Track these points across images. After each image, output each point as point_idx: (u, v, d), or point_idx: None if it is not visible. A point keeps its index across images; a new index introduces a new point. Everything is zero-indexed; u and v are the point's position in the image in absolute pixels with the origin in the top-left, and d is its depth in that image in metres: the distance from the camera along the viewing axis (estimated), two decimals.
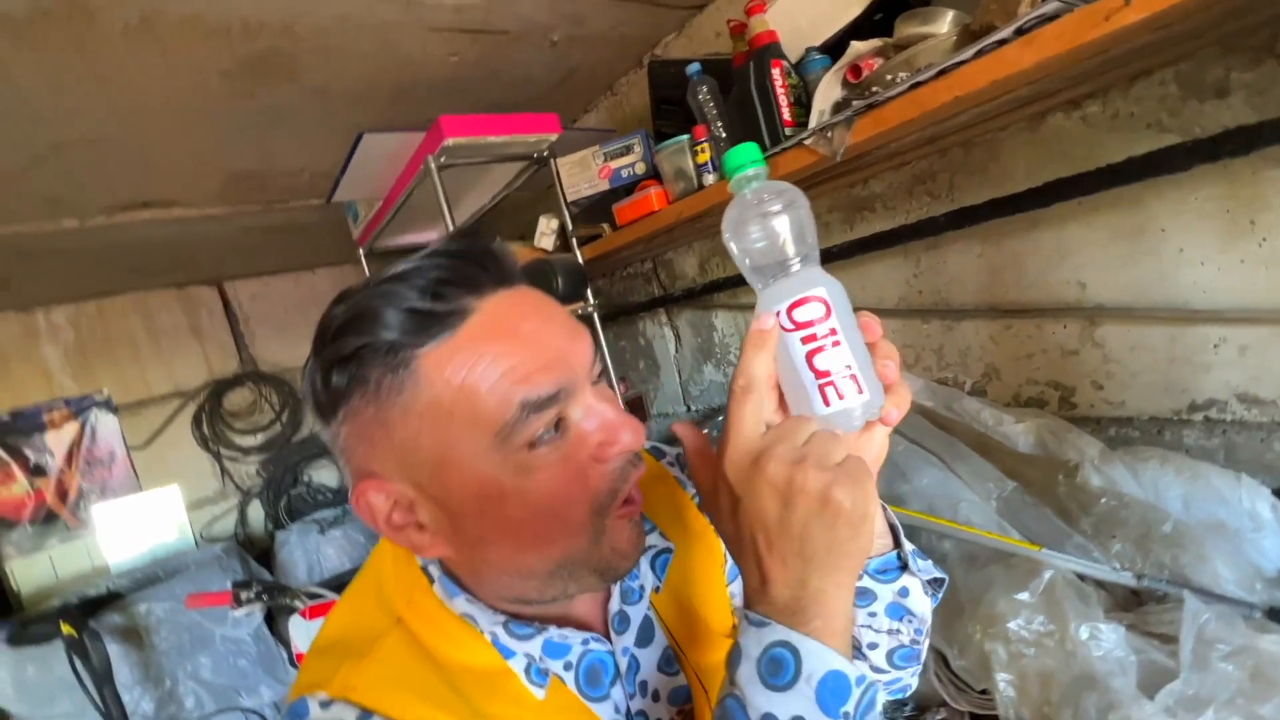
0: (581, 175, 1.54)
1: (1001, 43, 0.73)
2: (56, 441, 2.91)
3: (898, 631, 0.53)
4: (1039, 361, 1.18)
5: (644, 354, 2.24)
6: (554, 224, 1.71)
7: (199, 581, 2.18)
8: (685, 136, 1.25)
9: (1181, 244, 0.96)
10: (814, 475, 0.36)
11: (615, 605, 0.51)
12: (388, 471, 0.43)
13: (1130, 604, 0.80)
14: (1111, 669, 0.66)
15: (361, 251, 2.11)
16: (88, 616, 1.79)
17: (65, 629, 1.67)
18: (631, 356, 2.30)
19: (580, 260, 1.62)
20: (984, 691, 0.83)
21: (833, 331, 0.40)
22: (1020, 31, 0.71)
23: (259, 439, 3.34)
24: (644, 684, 0.51)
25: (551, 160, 1.58)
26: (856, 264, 1.43)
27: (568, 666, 0.48)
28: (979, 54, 0.75)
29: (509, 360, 0.41)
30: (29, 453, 2.85)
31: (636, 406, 2.21)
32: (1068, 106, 1.03)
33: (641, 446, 0.44)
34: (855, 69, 0.94)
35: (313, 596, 1.52)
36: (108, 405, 3.02)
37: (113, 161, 1.70)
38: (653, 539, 0.55)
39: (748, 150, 0.43)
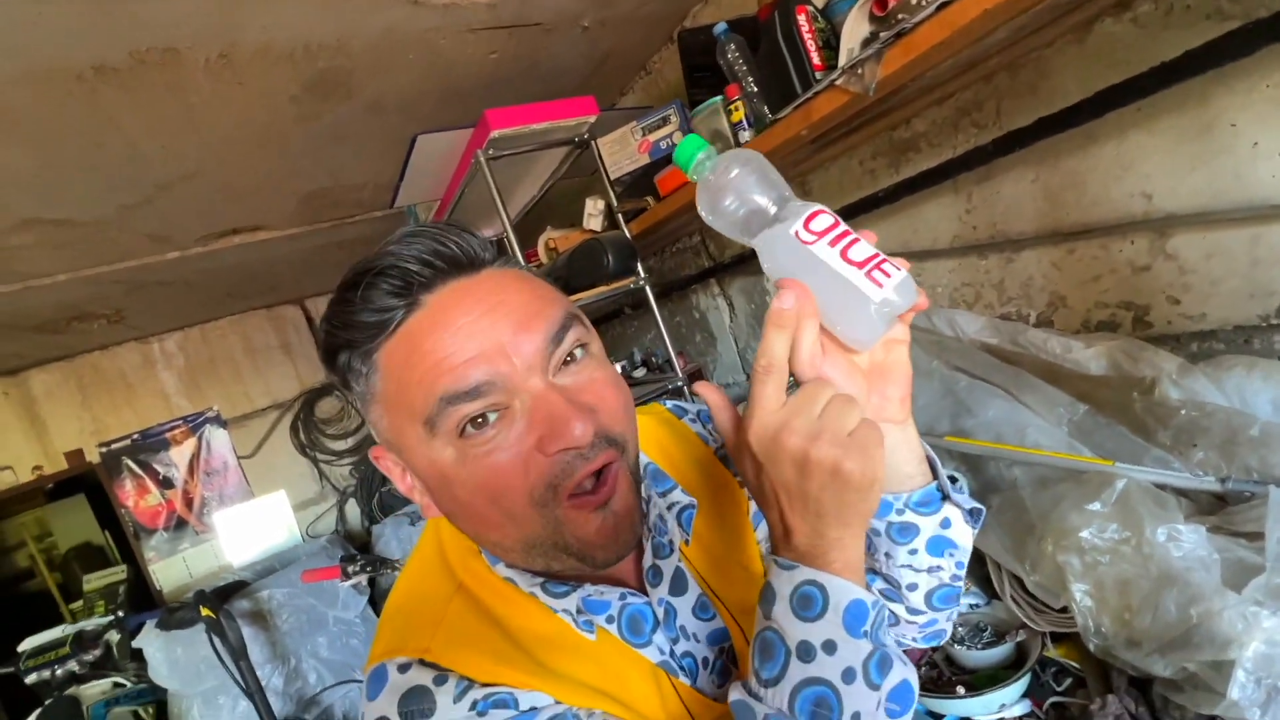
0: (622, 152, 1.58)
1: None
2: (179, 456, 3.24)
3: (938, 569, 0.54)
4: (1107, 283, 1.13)
5: (700, 326, 2.27)
6: (600, 204, 1.77)
7: (308, 563, 2.40)
8: (718, 98, 1.27)
9: (1255, 137, 0.90)
10: (827, 450, 0.40)
11: (648, 560, 0.53)
12: (386, 441, 0.49)
13: (1214, 509, 0.77)
14: (1192, 566, 0.64)
15: None
16: (222, 601, 2.01)
17: (205, 612, 1.89)
18: (688, 330, 2.33)
19: (628, 235, 1.66)
20: (1063, 610, 0.82)
21: (848, 231, 0.43)
22: None
23: (349, 443, 3.59)
24: (683, 628, 0.54)
25: (593, 142, 1.64)
26: (905, 207, 1.41)
27: (610, 620, 0.51)
28: None
29: (438, 354, 0.43)
30: (158, 467, 3.20)
31: (696, 378, 2.24)
32: (1116, 10, 0.98)
33: (588, 440, 0.43)
34: (881, 1, 0.93)
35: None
36: (218, 420, 3.34)
37: (205, 193, 1.89)
38: (676, 495, 0.57)
39: (690, 142, 0.46)
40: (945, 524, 0.53)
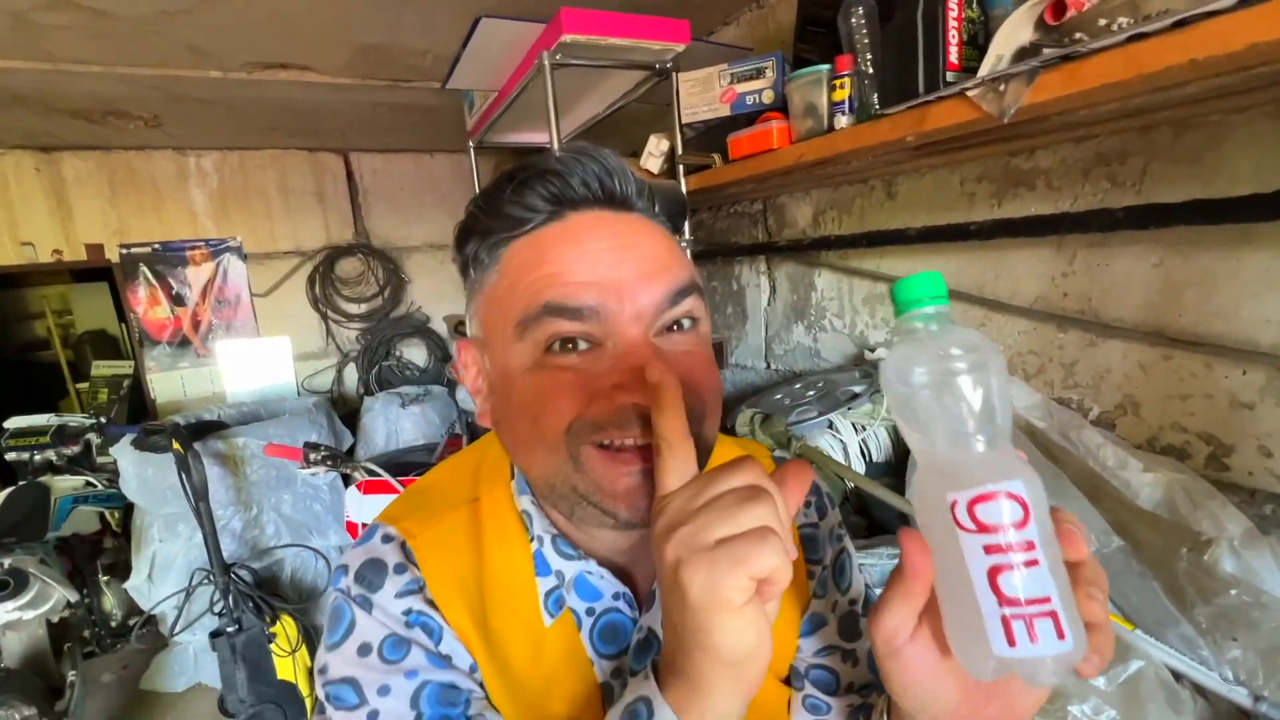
0: (702, 96, 1.39)
1: None
2: (195, 277, 3.23)
3: None
4: (1196, 406, 0.97)
5: (734, 299, 2.12)
6: (664, 145, 1.59)
7: (290, 427, 2.40)
8: (825, 67, 1.08)
9: None
10: (670, 550, 0.34)
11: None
12: (475, 336, 0.48)
13: (1236, 718, 0.67)
14: None
15: (471, 144, 2.08)
16: (194, 438, 2.02)
17: (175, 445, 1.90)
18: (721, 299, 2.18)
19: (684, 189, 1.50)
20: None
21: (1030, 546, 0.30)
22: None
23: (362, 308, 3.56)
24: (647, 655, 0.49)
25: (673, 74, 1.44)
26: (994, 246, 1.23)
27: (589, 612, 0.48)
28: (1244, 2, 0.56)
29: (558, 266, 0.42)
30: (172, 283, 3.20)
31: (716, 352, 2.12)
32: None
33: (665, 404, 0.38)
34: (1058, 6, 0.74)
35: (371, 473, 1.61)
36: (239, 252, 3.30)
37: (254, 18, 1.74)
38: None
39: (929, 282, 0.33)
40: None
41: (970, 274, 1.29)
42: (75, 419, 2.20)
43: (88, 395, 4.50)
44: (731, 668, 0.34)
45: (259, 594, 2.06)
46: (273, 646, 2.06)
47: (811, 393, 1.40)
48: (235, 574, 2.00)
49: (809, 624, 0.55)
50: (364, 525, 1.76)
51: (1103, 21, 0.66)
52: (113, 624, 2.07)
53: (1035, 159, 1.15)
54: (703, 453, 0.42)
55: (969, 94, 0.81)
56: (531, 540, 0.48)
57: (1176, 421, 1.00)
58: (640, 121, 2.05)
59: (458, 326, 3.42)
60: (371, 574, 0.47)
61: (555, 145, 1.41)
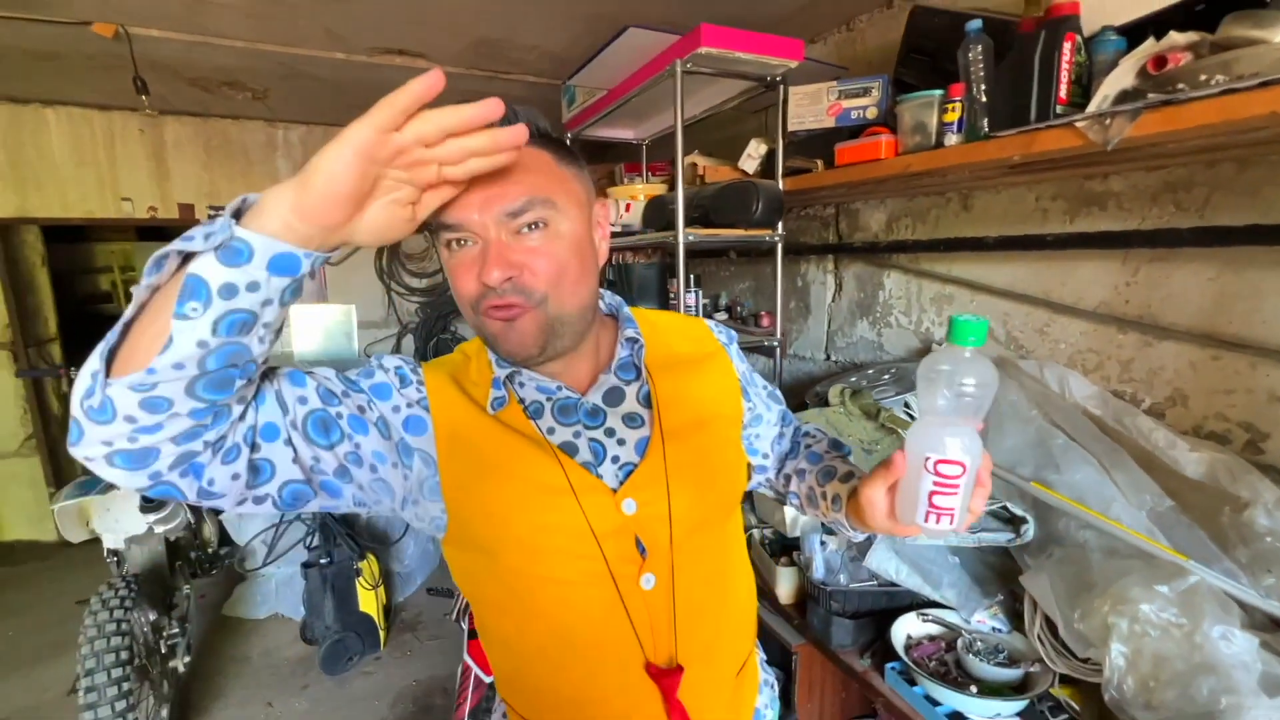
0: (809, 108, 1.58)
1: None
2: None
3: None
4: (1238, 399, 1.16)
5: (798, 295, 2.31)
6: (762, 149, 1.78)
7: None
8: (939, 91, 1.27)
9: None
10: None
11: (604, 378, 0.73)
12: None
13: (1269, 629, 0.84)
14: (1235, 665, 0.73)
15: (569, 135, 2.27)
16: None
17: None
18: (785, 294, 2.36)
19: (781, 189, 1.69)
20: (1087, 660, 0.92)
21: (957, 487, 0.53)
22: None
23: (424, 283, 3.76)
24: (610, 428, 0.71)
25: (782, 86, 1.63)
26: (1064, 257, 1.41)
27: (549, 398, 0.71)
28: None
29: (465, 188, 0.58)
30: None
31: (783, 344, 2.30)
32: None
33: (498, 283, 0.60)
34: (1160, 59, 0.92)
35: None
36: None
37: (390, 7, 1.92)
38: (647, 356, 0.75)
39: (980, 328, 0.52)
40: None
41: (1039, 280, 1.47)
42: None
43: None
44: (304, 175, 0.46)
45: (349, 532, 2.26)
46: (358, 581, 2.25)
47: (887, 376, 1.59)
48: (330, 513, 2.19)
49: (749, 416, 0.82)
50: None
51: (1202, 77, 0.84)
52: (209, 550, 2.26)
53: (1109, 182, 1.33)
54: (552, 318, 0.63)
55: (1077, 124, 1.00)
56: (493, 368, 0.71)
57: (1220, 412, 1.18)
58: (720, 123, 2.23)
59: None
60: (395, 360, 0.71)
61: (679, 141, 1.60)
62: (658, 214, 1.82)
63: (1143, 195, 1.28)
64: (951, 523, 0.54)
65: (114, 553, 1.96)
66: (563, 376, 0.71)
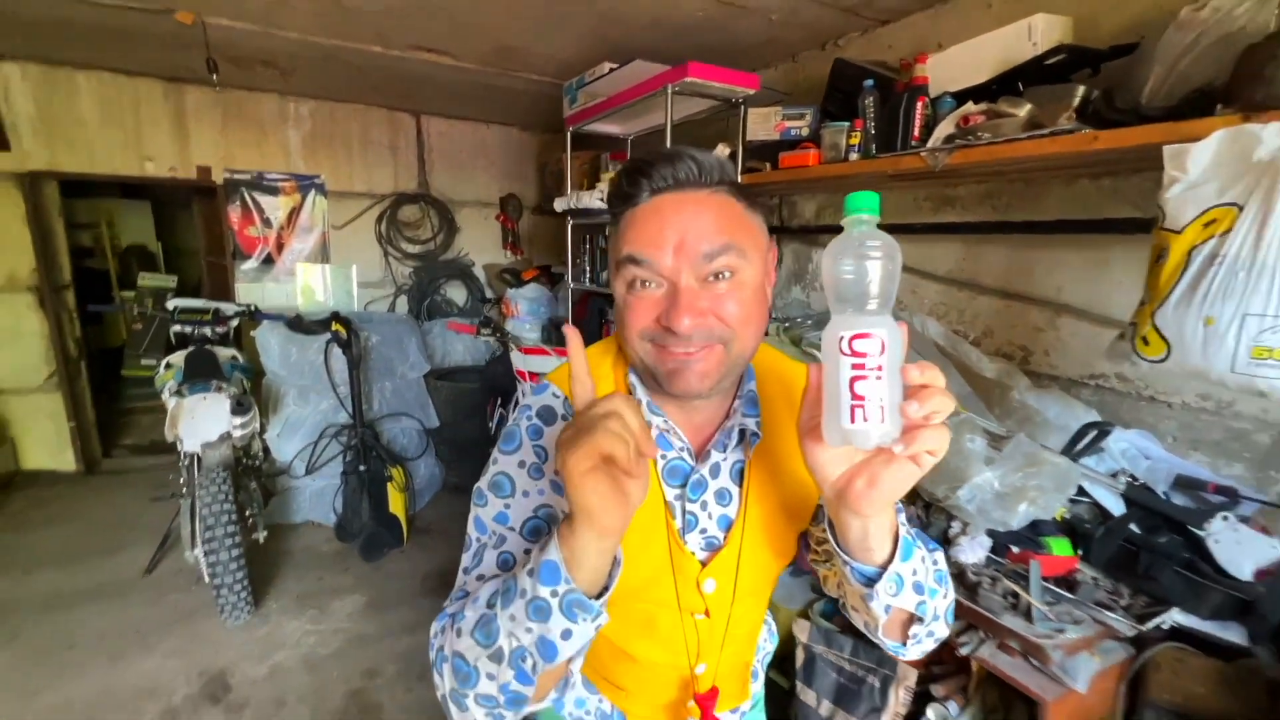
0: (762, 125, 2.17)
1: (1049, 134, 1.35)
2: (283, 205, 3.78)
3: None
4: (1018, 331, 1.84)
5: None
6: (726, 152, 2.36)
7: (396, 328, 3.10)
8: (847, 123, 1.88)
9: (1121, 278, 1.59)
10: (562, 445, 0.49)
11: (714, 447, 0.70)
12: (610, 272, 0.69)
13: (999, 445, 1.51)
14: (973, 453, 1.37)
15: (569, 130, 2.79)
16: (347, 325, 2.67)
17: (336, 326, 2.55)
18: None
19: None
20: None
21: (879, 368, 0.46)
22: (1053, 132, 1.34)
23: (418, 249, 4.18)
24: (704, 502, 0.71)
25: (743, 106, 2.22)
26: (930, 239, 2.07)
27: (662, 457, 0.70)
28: (1029, 137, 1.38)
29: (639, 229, 0.62)
30: (265, 207, 3.74)
31: None
32: (1091, 177, 1.63)
33: (688, 332, 0.59)
34: (966, 119, 1.56)
35: (529, 343, 2.35)
36: (322, 189, 3.87)
37: (433, 15, 2.33)
38: (751, 423, 0.70)
39: (870, 199, 0.48)
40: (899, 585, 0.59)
41: (912, 254, 2.13)
42: (229, 305, 2.79)
43: (132, 301, 4.94)
44: (587, 516, 0.49)
45: (382, 445, 2.74)
46: (390, 485, 2.75)
47: (809, 321, 2.22)
48: (368, 428, 2.67)
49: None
50: (531, 374, 2.54)
51: (982, 134, 1.48)
52: (257, 462, 2.70)
53: (956, 190, 1.99)
54: (733, 359, 0.63)
55: (921, 154, 1.63)
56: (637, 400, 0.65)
57: (1009, 339, 1.87)
58: (691, 128, 2.80)
59: (500, 275, 4.07)
60: (543, 418, 0.69)
61: (669, 143, 2.17)
62: None
63: (975, 199, 1.94)
64: (881, 418, 0.46)
65: (190, 456, 2.39)
66: (683, 420, 0.71)
